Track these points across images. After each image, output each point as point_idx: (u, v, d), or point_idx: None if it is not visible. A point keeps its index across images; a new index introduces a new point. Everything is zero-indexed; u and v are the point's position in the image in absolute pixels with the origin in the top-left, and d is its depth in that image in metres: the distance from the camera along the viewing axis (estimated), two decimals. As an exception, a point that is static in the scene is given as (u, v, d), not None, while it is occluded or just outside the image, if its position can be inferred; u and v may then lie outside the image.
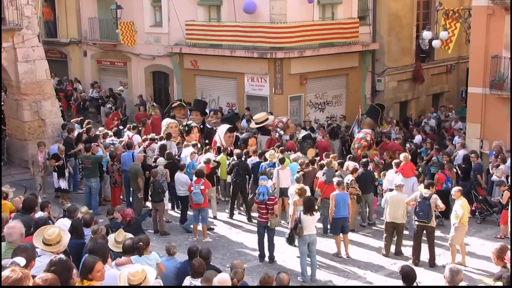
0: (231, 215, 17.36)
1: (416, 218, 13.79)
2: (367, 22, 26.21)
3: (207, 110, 24.23)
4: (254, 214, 15.50)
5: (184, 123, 20.62)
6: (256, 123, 21.87)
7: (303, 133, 20.55)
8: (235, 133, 20.67)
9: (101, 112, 28.25)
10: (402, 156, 16.89)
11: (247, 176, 17.27)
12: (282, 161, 16.74)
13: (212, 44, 25.01)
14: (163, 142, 18.83)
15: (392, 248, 14.65)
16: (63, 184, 17.92)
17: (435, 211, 13.96)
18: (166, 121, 21.11)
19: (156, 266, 9.41)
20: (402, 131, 23.61)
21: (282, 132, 21.48)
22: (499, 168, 17.05)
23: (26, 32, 20.31)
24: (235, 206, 17.66)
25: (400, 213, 14.25)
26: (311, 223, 12.98)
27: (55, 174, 17.99)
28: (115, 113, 25.38)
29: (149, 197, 16.55)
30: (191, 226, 15.87)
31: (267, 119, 21.85)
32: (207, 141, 20.92)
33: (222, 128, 20.40)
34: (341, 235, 14.53)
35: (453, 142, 20.66)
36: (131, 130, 20.59)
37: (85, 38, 30.56)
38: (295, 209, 13.86)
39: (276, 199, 14.18)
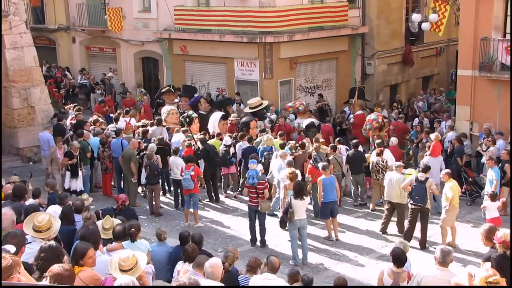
0: (210, 198, 17.40)
1: (411, 202, 13.87)
2: (357, 6, 26.12)
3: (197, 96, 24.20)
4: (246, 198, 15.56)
5: (185, 114, 20.54)
6: (250, 108, 21.84)
7: (307, 121, 20.51)
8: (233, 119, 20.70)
9: (91, 98, 28.15)
10: (433, 136, 17.29)
11: (217, 159, 17.40)
12: (282, 147, 16.78)
13: (201, 29, 24.90)
14: (154, 127, 18.89)
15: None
16: (75, 185, 16.46)
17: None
18: (167, 108, 21.04)
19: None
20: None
21: (293, 116, 21.75)
22: (489, 149, 17.12)
23: (13, 19, 20.10)
24: (222, 189, 17.88)
25: (395, 192, 14.39)
26: (302, 207, 13.04)
27: (68, 173, 16.52)
28: (108, 100, 25.31)
29: (144, 179, 16.64)
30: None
31: (261, 104, 21.85)
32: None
33: (216, 116, 20.36)
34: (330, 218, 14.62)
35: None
36: (126, 116, 20.59)
37: (73, 24, 30.36)
38: (286, 194, 13.93)
39: (266, 183, 14.18)
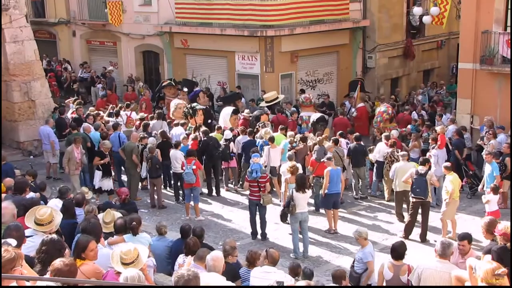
0: (209, 192, 17.42)
1: (413, 195, 13.86)
2: (358, -1, 26.08)
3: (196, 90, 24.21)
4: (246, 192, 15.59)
5: (189, 106, 20.52)
6: (266, 102, 21.76)
7: (317, 115, 20.53)
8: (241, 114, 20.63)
9: (91, 92, 28.15)
10: (439, 128, 17.52)
11: (218, 152, 17.43)
12: (272, 139, 16.79)
13: (202, 23, 24.85)
14: (154, 121, 18.94)
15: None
16: (107, 184, 16.20)
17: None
18: (175, 102, 20.88)
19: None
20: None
21: (294, 110, 21.71)
22: (489, 143, 17.12)
23: (13, 12, 20.08)
24: (223, 183, 17.96)
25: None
26: (303, 200, 13.07)
27: (98, 172, 16.19)
28: (110, 95, 25.26)
29: (146, 173, 16.70)
30: None
31: (277, 97, 21.76)
32: (209, 121, 20.84)
33: (227, 111, 20.28)
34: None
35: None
36: (127, 109, 20.61)
37: (73, 18, 30.31)
38: (287, 187, 13.94)
39: (268, 177, 14.21)
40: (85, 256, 7.17)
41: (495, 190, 13.87)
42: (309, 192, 13.37)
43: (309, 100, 21.60)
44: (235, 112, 20.16)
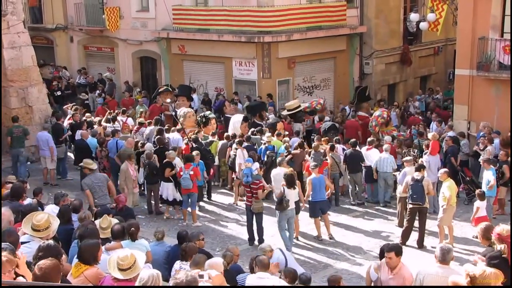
0: (201, 197, 17.32)
1: (410, 201, 13.85)
2: (355, 5, 26.14)
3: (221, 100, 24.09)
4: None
5: (202, 114, 20.42)
6: (288, 111, 21.68)
7: (328, 124, 20.45)
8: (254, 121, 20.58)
9: (89, 98, 28.12)
10: (430, 135, 17.58)
11: (211, 156, 17.56)
12: (240, 143, 17.03)
13: (200, 29, 24.91)
14: (151, 127, 18.93)
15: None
16: (177, 194, 15.89)
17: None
18: (183, 111, 20.47)
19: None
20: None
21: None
22: (486, 149, 17.14)
23: (11, 18, 20.05)
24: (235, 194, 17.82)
25: None
26: (293, 196, 13.37)
27: (169, 184, 15.82)
28: (111, 101, 25.22)
29: (144, 179, 16.63)
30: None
31: (299, 106, 21.64)
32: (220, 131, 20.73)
33: (237, 118, 20.21)
34: (320, 217, 14.62)
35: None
36: (123, 115, 20.58)
37: (71, 23, 30.35)
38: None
39: (261, 184, 13.98)
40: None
41: (481, 196, 13.97)
42: (298, 189, 13.70)
43: (313, 107, 21.64)
44: (246, 119, 20.09)
